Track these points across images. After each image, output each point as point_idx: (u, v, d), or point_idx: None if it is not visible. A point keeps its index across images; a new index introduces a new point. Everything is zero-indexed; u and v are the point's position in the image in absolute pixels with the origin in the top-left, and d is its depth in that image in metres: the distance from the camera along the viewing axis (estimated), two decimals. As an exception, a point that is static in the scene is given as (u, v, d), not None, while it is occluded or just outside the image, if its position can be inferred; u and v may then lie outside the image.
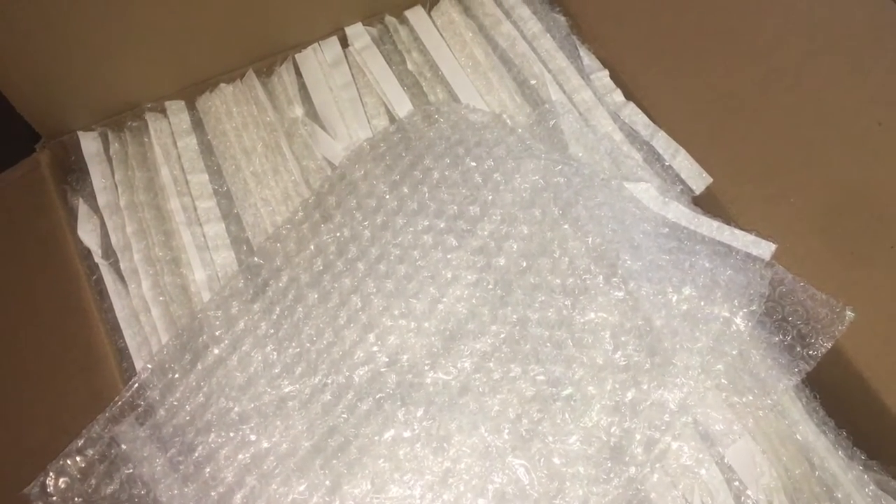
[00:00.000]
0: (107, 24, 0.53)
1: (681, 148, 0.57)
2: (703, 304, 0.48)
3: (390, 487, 0.43)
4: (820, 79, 0.58)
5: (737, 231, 0.51)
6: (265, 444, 0.43)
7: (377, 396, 0.45)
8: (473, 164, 0.52)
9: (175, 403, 0.45)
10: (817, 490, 0.45)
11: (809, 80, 0.58)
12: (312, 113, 0.60)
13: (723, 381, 0.47)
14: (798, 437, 0.47)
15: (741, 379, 0.48)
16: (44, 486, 0.42)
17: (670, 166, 0.57)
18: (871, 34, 0.61)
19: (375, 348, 0.46)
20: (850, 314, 0.48)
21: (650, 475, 0.44)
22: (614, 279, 0.48)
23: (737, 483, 0.45)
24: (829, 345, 0.48)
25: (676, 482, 0.45)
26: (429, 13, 0.64)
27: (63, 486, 0.42)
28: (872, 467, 0.47)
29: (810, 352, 0.48)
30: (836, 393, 0.49)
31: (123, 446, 0.43)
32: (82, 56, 0.54)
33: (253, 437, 0.44)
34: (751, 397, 0.47)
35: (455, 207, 0.50)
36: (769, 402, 0.47)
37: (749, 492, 0.45)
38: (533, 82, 0.61)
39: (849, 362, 0.48)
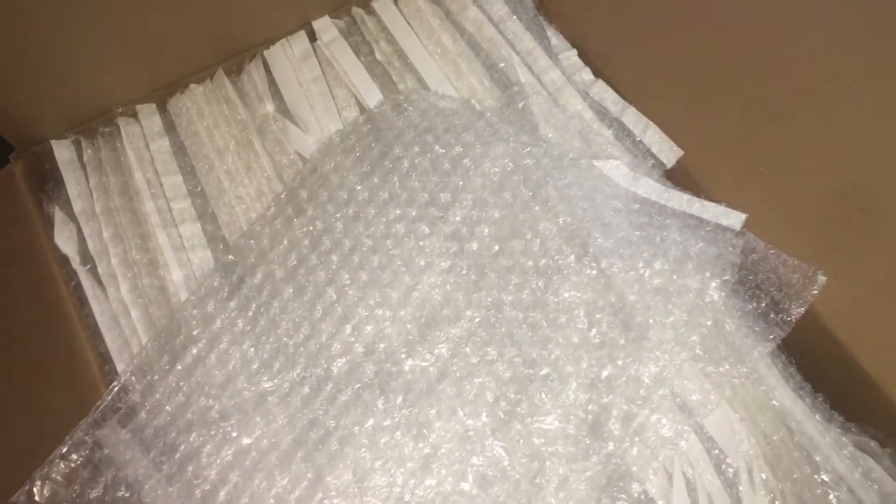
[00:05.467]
0: (73, 32, 0.52)
1: (651, 122, 0.56)
2: (675, 277, 0.47)
3: (372, 476, 0.42)
4: (785, 46, 0.57)
5: (707, 203, 0.50)
6: (246, 441, 0.43)
7: (356, 387, 0.44)
8: (442, 150, 0.51)
9: (156, 405, 0.44)
10: (796, 454, 0.45)
11: (775, 47, 0.57)
12: (283, 108, 0.58)
13: (698, 351, 0.46)
14: (775, 402, 0.46)
15: (717, 348, 0.47)
16: (30, 493, 0.41)
17: (641, 141, 0.56)
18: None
19: (352, 339, 0.45)
20: (821, 278, 0.47)
21: (629, 449, 0.43)
22: (586, 258, 0.47)
23: (716, 451, 0.45)
24: (802, 310, 0.47)
25: (656, 454, 0.44)
26: (395, 2, 0.63)
27: (48, 492, 0.41)
28: (850, 429, 0.46)
29: (784, 317, 0.47)
30: (812, 358, 0.48)
31: (106, 450, 0.42)
32: (51, 65, 0.53)
33: (234, 434, 0.43)
34: (727, 366, 0.46)
35: (426, 195, 0.49)
36: (745, 369, 0.46)
37: (729, 459, 0.44)
38: (502, 65, 0.59)
39: (824, 326, 0.47)
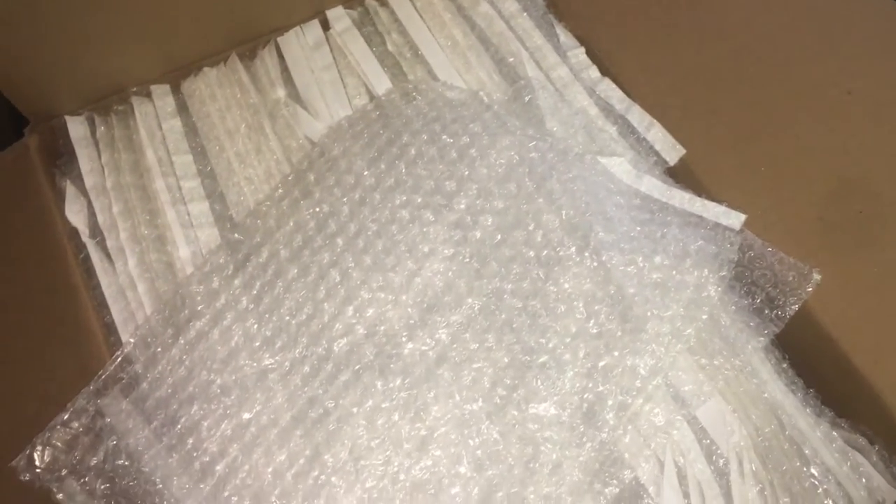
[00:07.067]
0: (93, 10, 0.51)
1: (655, 121, 0.55)
2: (674, 272, 0.46)
3: (369, 455, 0.41)
4: (790, 51, 0.56)
5: (708, 202, 0.50)
6: (246, 416, 0.42)
7: (355, 368, 0.43)
8: (450, 140, 0.50)
9: (158, 377, 0.43)
10: (786, 447, 0.44)
11: (780, 52, 0.56)
12: (294, 94, 0.57)
13: (693, 343, 0.45)
14: (767, 396, 0.45)
15: (712, 341, 0.46)
16: (30, 458, 0.41)
17: (645, 139, 0.55)
18: (839, 5, 0.58)
19: (354, 321, 0.44)
20: (816, 277, 0.46)
21: (622, 437, 0.43)
22: (587, 251, 0.46)
23: (707, 441, 0.44)
24: (796, 307, 0.46)
25: (649, 442, 0.43)
26: (408, -6, 0.62)
27: (49, 458, 0.40)
28: (840, 425, 0.46)
29: (779, 314, 0.47)
30: (805, 354, 0.48)
31: (108, 419, 0.42)
32: (69, 42, 0.52)
33: (235, 409, 0.42)
34: (721, 359, 0.45)
35: (432, 183, 0.48)
36: (738, 363, 0.45)
37: (720, 450, 0.44)
38: (511, 60, 0.58)
39: (818, 324, 0.46)
